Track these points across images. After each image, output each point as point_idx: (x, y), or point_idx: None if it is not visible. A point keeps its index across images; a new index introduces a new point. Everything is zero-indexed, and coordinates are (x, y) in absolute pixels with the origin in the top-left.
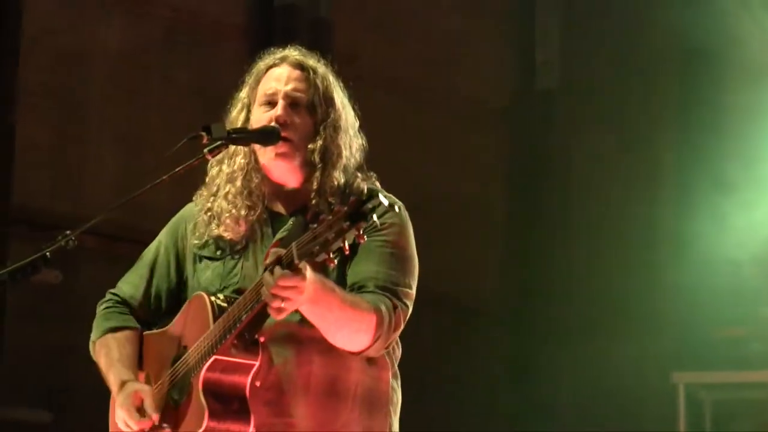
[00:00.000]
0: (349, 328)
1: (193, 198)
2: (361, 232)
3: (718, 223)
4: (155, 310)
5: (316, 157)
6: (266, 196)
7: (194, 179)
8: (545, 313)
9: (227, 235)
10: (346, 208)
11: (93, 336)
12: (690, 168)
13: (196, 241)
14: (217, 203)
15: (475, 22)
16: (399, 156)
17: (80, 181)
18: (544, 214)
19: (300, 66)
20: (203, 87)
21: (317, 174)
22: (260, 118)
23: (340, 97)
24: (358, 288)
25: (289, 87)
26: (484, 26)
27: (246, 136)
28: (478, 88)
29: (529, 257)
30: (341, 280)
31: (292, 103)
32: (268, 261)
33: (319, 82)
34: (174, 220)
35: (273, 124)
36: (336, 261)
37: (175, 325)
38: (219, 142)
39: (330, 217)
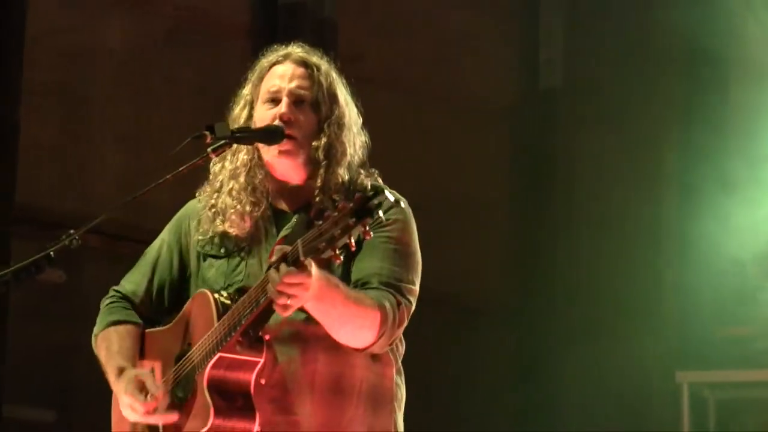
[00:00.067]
0: (353, 325)
1: (196, 195)
2: (367, 229)
3: (722, 223)
4: (157, 307)
5: (321, 155)
6: (270, 193)
7: (198, 178)
8: (548, 312)
9: (232, 231)
10: (351, 205)
11: (95, 330)
12: (694, 167)
13: (200, 238)
14: (221, 199)
15: (479, 22)
16: (402, 155)
17: (84, 180)
18: (547, 214)
19: (303, 63)
20: (207, 86)
21: (321, 171)
22: (264, 115)
23: (344, 95)
24: (362, 284)
25: (293, 84)
26: (487, 25)
27: (250, 135)
28: (481, 87)
29: (533, 257)
30: (345, 276)
31: (296, 100)
32: (273, 258)
33: (322, 79)
34: (177, 217)
35: (277, 122)
36: (342, 257)
37: (179, 323)
38: (223, 142)
39: (335, 214)
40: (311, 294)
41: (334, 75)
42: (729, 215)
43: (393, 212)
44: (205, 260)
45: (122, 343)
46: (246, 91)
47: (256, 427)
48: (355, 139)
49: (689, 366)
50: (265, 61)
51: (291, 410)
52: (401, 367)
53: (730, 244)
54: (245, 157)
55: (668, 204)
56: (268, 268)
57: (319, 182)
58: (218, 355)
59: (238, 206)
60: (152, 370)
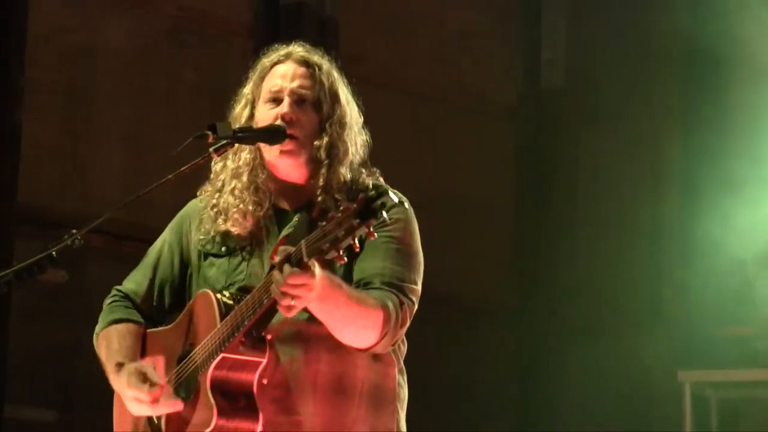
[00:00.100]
0: (356, 325)
1: (197, 194)
2: (371, 230)
3: (724, 222)
4: (159, 307)
5: (322, 154)
6: (271, 193)
7: (200, 177)
8: (549, 312)
9: (234, 230)
10: (355, 206)
11: (97, 329)
12: (695, 167)
13: (201, 237)
14: (223, 199)
15: (481, 22)
16: (403, 154)
17: (86, 180)
18: (548, 213)
19: (305, 63)
20: (208, 86)
21: (323, 171)
22: (265, 115)
23: (345, 94)
24: (365, 284)
25: (295, 84)
26: (489, 26)
27: (252, 135)
28: (482, 87)
29: (533, 256)
30: (347, 276)
31: (297, 100)
32: (277, 259)
33: (324, 78)
34: (178, 217)
35: (279, 121)
36: (346, 258)
37: (180, 323)
38: (225, 141)
39: (339, 215)
40: (315, 295)
41: (335, 74)
42: (731, 215)
43: (395, 212)
44: (206, 259)
45: (122, 342)
46: (247, 90)
47: (259, 427)
48: (356, 138)
49: (691, 365)
50: (266, 61)
51: (293, 410)
52: (403, 367)
53: (732, 244)
54: (248, 156)
55: (670, 204)
56: (271, 269)
57: (321, 181)
58: (221, 355)
59: (241, 205)
60: (153, 367)
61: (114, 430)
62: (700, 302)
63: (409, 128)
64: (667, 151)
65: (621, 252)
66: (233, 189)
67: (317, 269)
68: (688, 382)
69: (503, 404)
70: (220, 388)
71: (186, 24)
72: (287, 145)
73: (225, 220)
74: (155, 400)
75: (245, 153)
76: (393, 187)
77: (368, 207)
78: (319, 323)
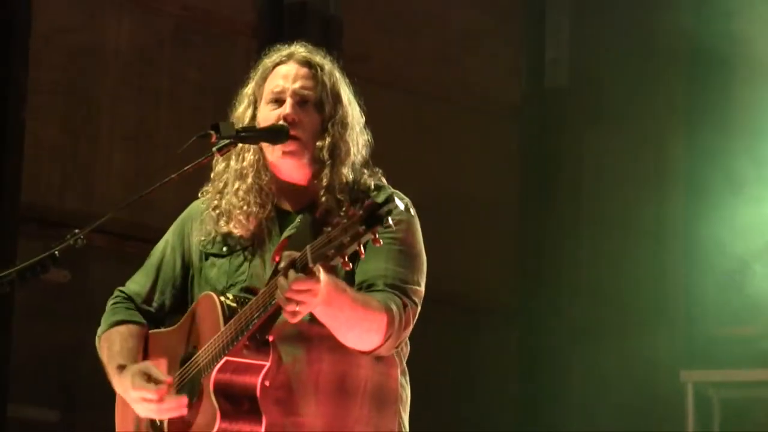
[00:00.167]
0: (360, 328)
1: (199, 194)
2: (377, 236)
3: (728, 222)
4: (161, 308)
5: (325, 154)
6: (273, 194)
7: (203, 177)
8: (552, 311)
9: (237, 231)
10: (361, 212)
11: (99, 331)
12: (699, 167)
13: (202, 238)
14: (225, 200)
15: (485, 21)
16: (408, 154)
17: (90, 179)
18: (552, 213)
19: (307, 63)
20: (212, 85)
21: (326, 171)
22: (268, 116)
23: (347, 94)
24: (368, 286)
25: (297, 85)
26: (493, 25)
27: (255, 135)
28: (486, 86)
29: (536, 256)
30: (349, 277)
31: (300, 100)
32: (282, 264)
33: (326, 79)
34: (181, 218)
35: (281, 122)
36: (351, 265)
37: (183, 325)
38: (228, 141)
39: (345, 221)
40: (320, 300)
41: (337, 74)
42: (735, 214)
43: (396, 213)
44: (207, 259)
45: (124, 344)
46: (249, 90)
47: (262, 429)
48: (358, 139)
49: (694, 365)
50: (268, 61)
51: (296, 411)
52: (406, 369)
53: (736, 244)
54: (252, 157)
55: (674, 203)
56: (274, 272)
57: (324, 182)
58: (225, 358)
59: (245, 207)
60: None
61: (116, 429)
62: (703, 302)
63: (413, 128)
64: (671, 151)
65: (625, 251)
66: (237, 190)
67: (322, 274)
68: (690, 382)
69: (506, 404)
70: (223, 391)
71: (190, 23)
72: (290, 146)
73: (227, 222)
74: (162, 398)
75: (249, 154)
76: (396, 186)
77: (374, 214)
78: (322, 323)
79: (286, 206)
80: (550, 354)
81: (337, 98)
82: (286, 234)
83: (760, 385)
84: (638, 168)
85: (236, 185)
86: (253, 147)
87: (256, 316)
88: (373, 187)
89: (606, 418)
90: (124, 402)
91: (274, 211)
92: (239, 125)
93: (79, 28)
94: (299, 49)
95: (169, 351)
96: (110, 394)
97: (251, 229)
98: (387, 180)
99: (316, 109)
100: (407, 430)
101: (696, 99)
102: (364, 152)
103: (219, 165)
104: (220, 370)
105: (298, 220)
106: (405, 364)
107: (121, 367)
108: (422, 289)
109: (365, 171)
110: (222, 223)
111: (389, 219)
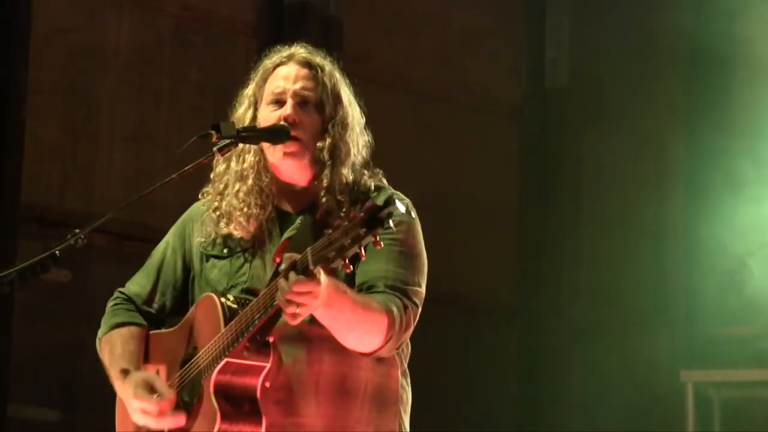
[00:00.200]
0: (361, 330)
1: (199, 196)
2: (378, 239)
3: (728, 222)
4: (161, 310)
5: (325, 155)
6: (274, 195)
7: (204, 177)
8: (552, 311)
9: (237, 233)
10: (362, 215)
11: (99, 333)
12: (699, 167)
13: (203, 240)
14: (225, 201)
15: (485, 21)
16: (408, 154)
17: (90, 179)
18: (552, 213)
19: (308, 64)
20: (212, 85)
21: (327, 172)
22: (268, 116)
23: (347, 95)
24: (368, 288)
25: (298, 86)
26: (493, 25)
27: (255, 135)
28: (486, 86)
29: (537, 256)
30: (350, 279)
31: (300, 101)
32: (283, 266)
33: (326, 80)
34: (181, 219)
35: (282, 123)
36: (352, 267)
37: (184, 326)
38: (228, 141)
39: (346, 223)
40: (320, 302)
41: (337, 75)
42: (735, 214)
43: (397, 214)
44: (207, 261)
45: (125, 347)
46: (249, 91)
47: (263, 430)
48: (358, 139)
49: (694, 365)
50: (268, 62)
51: (296, 412)
52: (407, 370)
53: (736, 244)
54: (252, 159)
55: (674, 203)
56: (274, 274)
57: (324, 183)
58: (225, 360)
59: (246, 209)
60: (157, 372)
61: (116, 430)
62: (703, 302)
63: (413, 128)
64: (671, 151)
65: (625, 251)
66: (237, 192)
67: (323, 276)
68: (690, 382)
69: (506, 404)
70: (223, 393)
71: (190, 23)
72: (290, 146)
73: (228, 224)
74: (162, 413)
75: (249, 156)
76: (396, 186)
77: (375, 216)
78: (322, 324)
79: (287, 207)
80: (550, 354)
81: (337, 99)
82: (286, 235)
83: (759, 385)
84: (638, 168)
85: (237, 187)
86: (253, 148)
87: (256, 317)
88: (373, 188)
89: (606, 418)
90: (124, 402)
91: (275, 212)
92: (240, 126)
93: (79, 28)
94: (300, 50)
95: (169, 352)
96: (111, 395)
97: (252, 230)
98: (387, 180)
99: (317, 110)
100: (408, 431)
101: (696, 99)
102: (364, 153)
103: (219, 166)
104: (220, 372)
105: (298, 221)
106: (406, 365)
107: (125, 372)
108: (423, 290)
109: (365, 172)
110: (222, 224)
111: (390, 221)
